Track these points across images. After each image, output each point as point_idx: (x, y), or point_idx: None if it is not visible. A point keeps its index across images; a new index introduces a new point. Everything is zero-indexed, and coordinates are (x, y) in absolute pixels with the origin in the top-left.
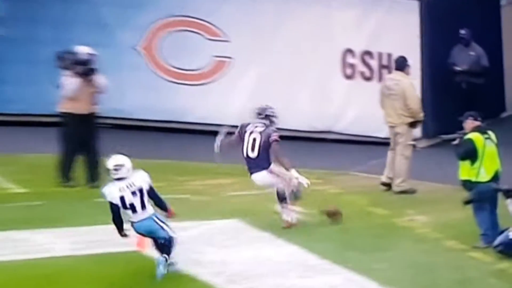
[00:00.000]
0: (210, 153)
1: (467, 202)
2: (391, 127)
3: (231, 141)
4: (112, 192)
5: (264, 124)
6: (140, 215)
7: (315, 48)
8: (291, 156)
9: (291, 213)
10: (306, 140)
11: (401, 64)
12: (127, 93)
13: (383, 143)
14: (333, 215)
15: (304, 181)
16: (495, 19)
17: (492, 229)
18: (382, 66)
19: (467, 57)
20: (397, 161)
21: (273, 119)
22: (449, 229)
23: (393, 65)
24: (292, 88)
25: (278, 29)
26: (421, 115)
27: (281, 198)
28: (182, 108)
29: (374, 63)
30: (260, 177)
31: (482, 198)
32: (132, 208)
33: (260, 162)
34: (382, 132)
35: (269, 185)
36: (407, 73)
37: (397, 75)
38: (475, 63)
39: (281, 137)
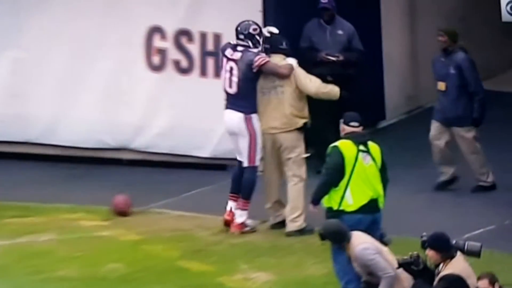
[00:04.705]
0: None
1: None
2: (270, 136)
3: None
4: None
5: (244, 45)
6: None
7: (105, 26)
8: (54, 186)
9: (245, 212)
10: (88, 162)
11: (276, 44)
12: None
13: (206, 165)
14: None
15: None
16: None
17: (356, 281)
18: (206, 53)
19: (333, 37)
20: (291, 188)
21: (259, 39)
22: None
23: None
24: (68, 85)
25: None
26: (336, 90)
27: (245, 188)
28: None
29: (194, 48)
30: (233, 117)
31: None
32: None
33: (239, 101)
34: (205, 149)
35: (237, 133)
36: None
37: (276, 58)
38: (346, 46)
39: (49, 158)
